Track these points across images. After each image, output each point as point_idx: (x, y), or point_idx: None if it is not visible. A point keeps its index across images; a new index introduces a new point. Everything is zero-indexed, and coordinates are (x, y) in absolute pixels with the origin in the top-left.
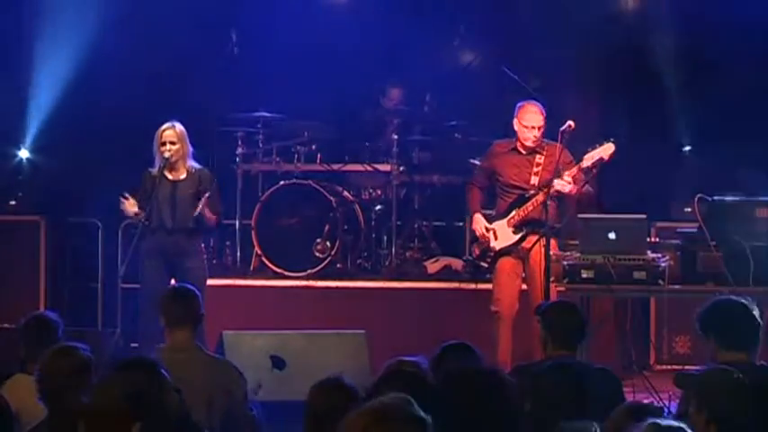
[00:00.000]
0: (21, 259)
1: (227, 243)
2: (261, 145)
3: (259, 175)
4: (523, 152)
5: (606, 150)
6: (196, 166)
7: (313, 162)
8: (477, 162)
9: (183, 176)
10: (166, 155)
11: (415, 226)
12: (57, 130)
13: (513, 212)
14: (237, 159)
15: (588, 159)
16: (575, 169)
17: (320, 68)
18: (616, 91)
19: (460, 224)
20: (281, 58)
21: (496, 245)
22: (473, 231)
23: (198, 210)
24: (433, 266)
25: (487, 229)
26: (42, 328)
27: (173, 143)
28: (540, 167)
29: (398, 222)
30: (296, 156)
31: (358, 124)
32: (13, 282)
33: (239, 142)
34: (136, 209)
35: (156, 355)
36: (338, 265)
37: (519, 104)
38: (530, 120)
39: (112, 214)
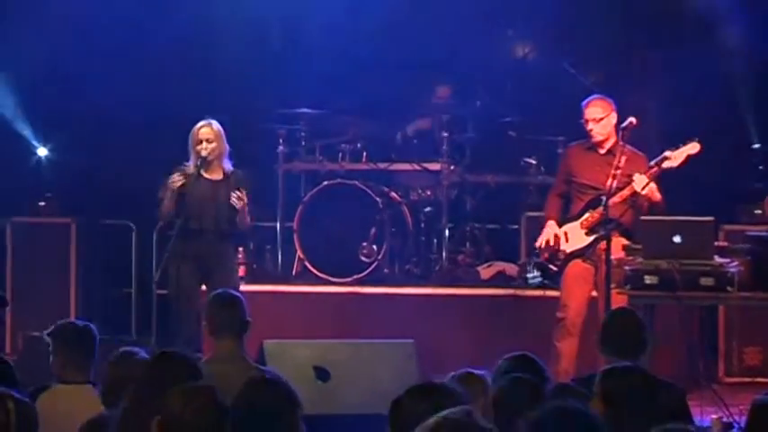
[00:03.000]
0: (50, 263)
1: (268, 247)
2: (303, 143)
3: (301, 174)
4: (601, 151)
5: (691, 149)
6: (231, 167)
7: (358, 161)
8: (532, 161)
9: (219, 177)
10: (203, 153)
11: (467, 229)
12: (86, 127)
13: (587, 214)
14: (279, 158)
15: (673, 159)
16: (655, 170)
17: (365, 62)
18: (681, 85)
19: (515, 227)
20: (324, 52)
21: (567, 247)
22: (543, 235)
23: (240, 206)
24: (486, 272)
25: (557, 236)
26: (79, 338)
27: (209, 141)
28: (618, 171)
29: (449, 225)
30: (340, 154)
31: (405, 121)
32: (42, 287)
33: (280, 140)
34: (182, 182)
35: (202, 366)
36: (385, 271)
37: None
38: (588, 113)
39: (147, 216)
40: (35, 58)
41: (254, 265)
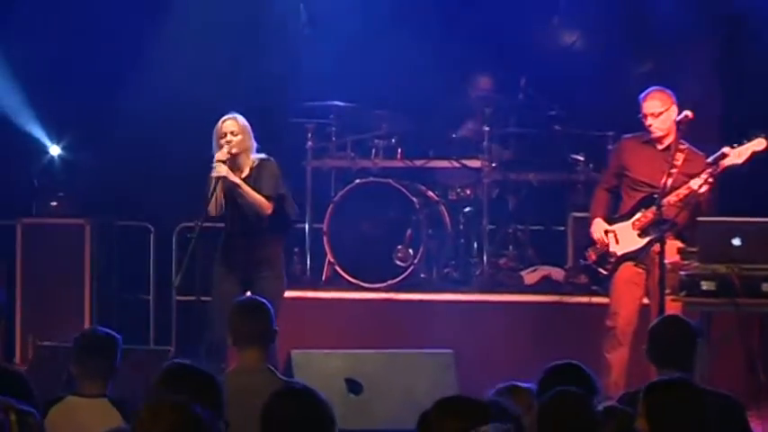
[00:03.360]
0: (63, 267)
1: (296, 250)
2: (334, 138)
3: (332, 172)
4: (659, 147)
5: (756, 146)
6: (259, 156)
7: (393, 157)
8: (579, 158)
9: (245, 174)
10: (228, 148)
11: (510, 230)
12: (101, 123)
13: (640, 214)
14: (307, 155)
15: (736, 157)
16: (715, 168)
17: (400, 51)
18: (741, 76)
19: (561, 228)
20: (356, 39)
21: (617, 249)
22: (590, 235)
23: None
24: (530, 277)
25: (607, 232)
26: (103, 348)
27: (234, 134)
28: (675, 169)
29: (490, 226)
30: (373, 150)
31: (442, 114)
32: (54, 293)
33: (309, 135)
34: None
35: (221, 378)
36: (422, 275)
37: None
38: (646, 107)
39: (166, 217)
40: (48, 54)
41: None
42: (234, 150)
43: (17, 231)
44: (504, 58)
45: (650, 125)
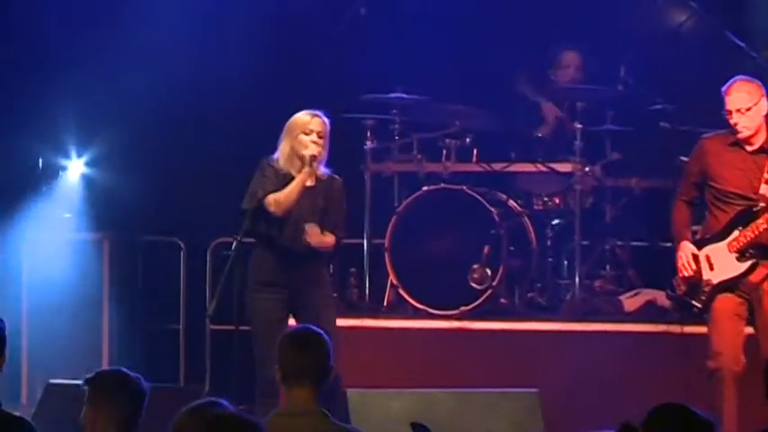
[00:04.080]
0: (76, 291)
1: (352, 270)
2: (397, 137)
3: (394, 177)
4: (748, 148)
5: None
6: (327, 171)
7: (467, 160)
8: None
9: (312, 183)
10: (313, 151)
11: (607, 247)
12: (126, 129)
13: (736, 232)
14: (365, 157)
15: None
16: None
17: (474, 34)
18: None
19: (668, 245)
20: (421, 21)
21: (713, 277)
22: (679, 260)
23: (309, 239)
24: (631, 302)
25: (696, 257)
26: (124, 393)
27: (320, 136)
28: None
29: (584, 242)
30: (444, 152)
31: (526, 109)
32: (66, 321)
33: (368, 134)
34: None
35: (268, 420)
36: (502, 300)
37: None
38: (731, 102)
39: (199, 231)
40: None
41: (335, 294)
42: (319, 157)
43: (22, 248)
44: (600, 43)
45: (736, 123)
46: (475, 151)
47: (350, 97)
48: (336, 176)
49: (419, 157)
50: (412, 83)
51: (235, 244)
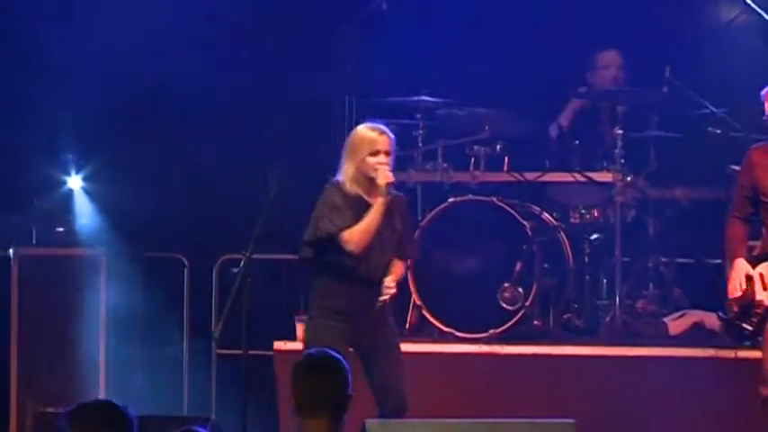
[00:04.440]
0: (69, 310)
1: None
2: (421, 144)
3: (417, 187)
4: None
5: None
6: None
7: (498, 169)
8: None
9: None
10: (389, 178)
11: (650, 264)
12: (129, 138)
13: None
14: None
15: None
16: None
17: (505, 31)
18: None
19: (717, 261)
20: (448, 18)
21: (766, 298)
22: (732, 280)
23: (386, 294)
24: (676, 324)
25: (749, 277)
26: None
27: (388, 154)
28: None
29: (625, 259)
30: (472, 160)
31: (558, 113)
32: (59, 343)
33: None
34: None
35: None
36: (535, 323)
37: None
38: None
39: (204, 247)
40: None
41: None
42: (390, 179)
43: (12, 265)
44: (643, 40)
45: None
46: (506, 159)
47: (366, 100)
48: (399, 193)
49: (445, 165)
50: (437, 84)
51: (244, 261)
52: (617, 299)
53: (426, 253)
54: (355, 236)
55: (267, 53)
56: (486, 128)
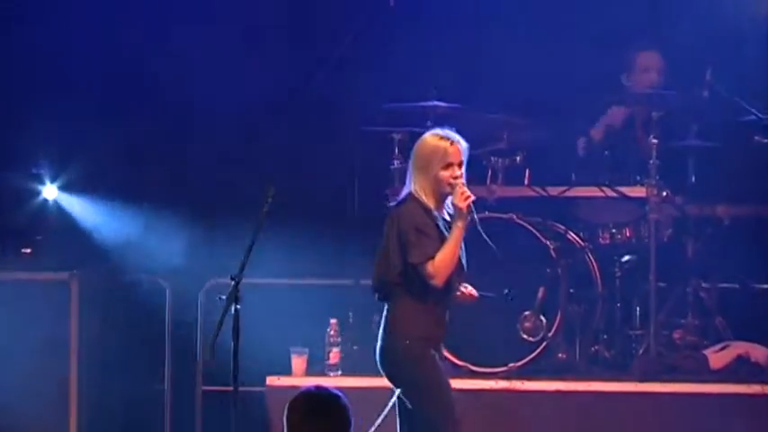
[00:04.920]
0: (37, 342)
1: (375, 318)
2: None
3: None
4: None
5: None
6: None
7: (518, 183)
8: None
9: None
10: (470, 197)
11: (689, 290)
12: (105, 154)
13: None
14: (393, 178)
15: None
16: None
17: (524, 28)
18: None
19: (764, 286)
20: (462, 15)
21: None
22: None
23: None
24: (718, 357)
25: None
26: None
27: (461, 165)
28: None
29: (660, 284)
30: (489, 172)
31: (589, 121)
32: (24, 380)
33: (396, 150)
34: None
35: None
36: (560, 355)
37: None
38: None
39: (189, 270)
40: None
41: (355, 347)
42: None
43: None
44: (680, 38)
45: None
46: (527, 172)
47: (374, 106)
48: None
49: None
50: (449, 88)
51: (233, 286)
52: (651, 329)
53: None
54: (440, 270)
55: (262, 59)
56: (505, 136)
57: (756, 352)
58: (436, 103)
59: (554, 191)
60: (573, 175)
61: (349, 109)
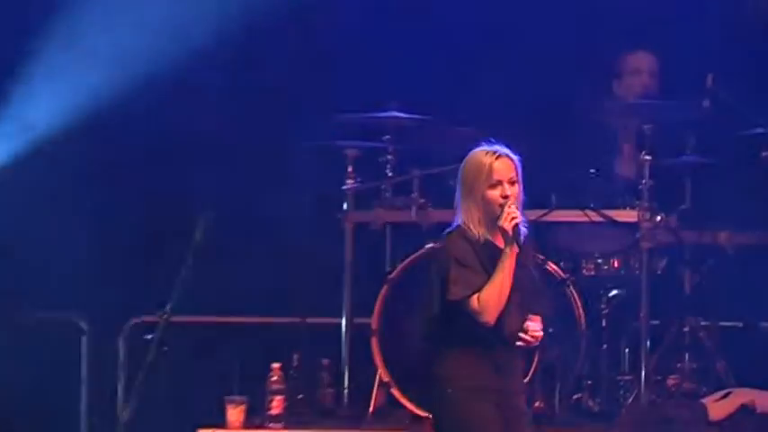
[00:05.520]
0: None
1: (325, 362)
2: (390, 173)
3: (386, 229)
4: None
5: None
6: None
7: None
8: None
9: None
10: (517, 218)
11: (686, 329)
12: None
13: None
14: (345, 202)
15: None
16: None
17: (500, 33)
18: None
19: None
20: (424, 14)
21: None
22: None
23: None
24: (719, 407)
25: None
26: None
27: (512, 182)
28: None
29: (653, 322)
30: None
31: (572, 135)
32: None
33: (349, 169)
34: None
35: None
36: (536, 404)
37: None
38: None
39: (108, 308)
40: None
41: (300, 396)
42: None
43: None
44: (679, 42)
45: None
46: None
47: (324, 117)
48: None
49: (421, 201)
50: (412, 97)
51: (160, 325)
52: (642, 374)
53: (396, 315)
54: (487, 304)
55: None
56: None
57: (763, 400)
58: (395, 114)
59: (532, 215)
60: (553, 197)
61: (294, 121)
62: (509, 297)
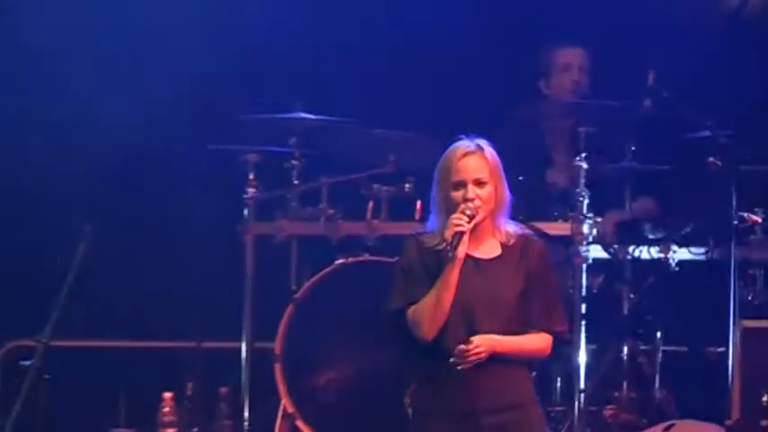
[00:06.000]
0: None
1: (223, 390)
2: (296, 181)
3: (292, 243)
4: None
5: None
6: (518, 229)
7: (407, 217)
8: (756, 218)
9: (495, 253)
10: (461, 226)
11: (624, 354)
12: None
13: None
14: (246, 211)
15: None
16: None
17: (421, 26)
18: None
19: (720, 350)
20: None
21: None
22: None
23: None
24: None
25: None
26: None
27: (480, 183)
28: None
29: (589, 346)
30: (370, 204)
31: (497, 137)
32: None
33: (250, 176)
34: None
35: None
36: None
37: None
38: None
39: None
40: None
41: (195, 429)
42: (479, 216)
43: None
44: (616, 36)
45: None
46: (418, 205)
47: (223, 118)
48: (533, 236)
49: (331, 212)
50: (319, 97)
51: (39, 350)
52: (576, 404)
53: (302, 339)
54: (422, 317)
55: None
56: (391, 158)
57: None
58: (302, 114)
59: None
60: None
61: (189, 123)
62: (453, 311)
